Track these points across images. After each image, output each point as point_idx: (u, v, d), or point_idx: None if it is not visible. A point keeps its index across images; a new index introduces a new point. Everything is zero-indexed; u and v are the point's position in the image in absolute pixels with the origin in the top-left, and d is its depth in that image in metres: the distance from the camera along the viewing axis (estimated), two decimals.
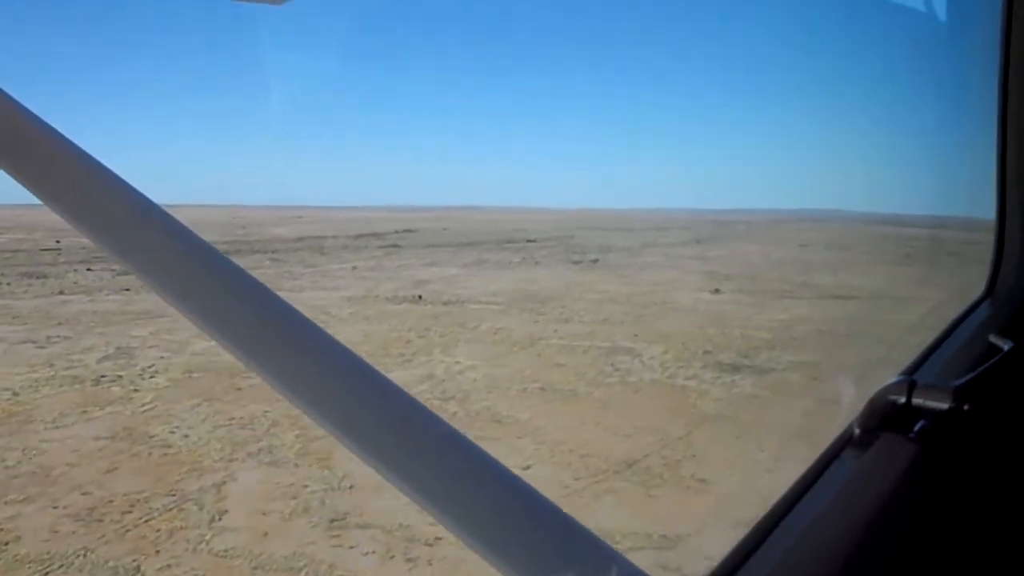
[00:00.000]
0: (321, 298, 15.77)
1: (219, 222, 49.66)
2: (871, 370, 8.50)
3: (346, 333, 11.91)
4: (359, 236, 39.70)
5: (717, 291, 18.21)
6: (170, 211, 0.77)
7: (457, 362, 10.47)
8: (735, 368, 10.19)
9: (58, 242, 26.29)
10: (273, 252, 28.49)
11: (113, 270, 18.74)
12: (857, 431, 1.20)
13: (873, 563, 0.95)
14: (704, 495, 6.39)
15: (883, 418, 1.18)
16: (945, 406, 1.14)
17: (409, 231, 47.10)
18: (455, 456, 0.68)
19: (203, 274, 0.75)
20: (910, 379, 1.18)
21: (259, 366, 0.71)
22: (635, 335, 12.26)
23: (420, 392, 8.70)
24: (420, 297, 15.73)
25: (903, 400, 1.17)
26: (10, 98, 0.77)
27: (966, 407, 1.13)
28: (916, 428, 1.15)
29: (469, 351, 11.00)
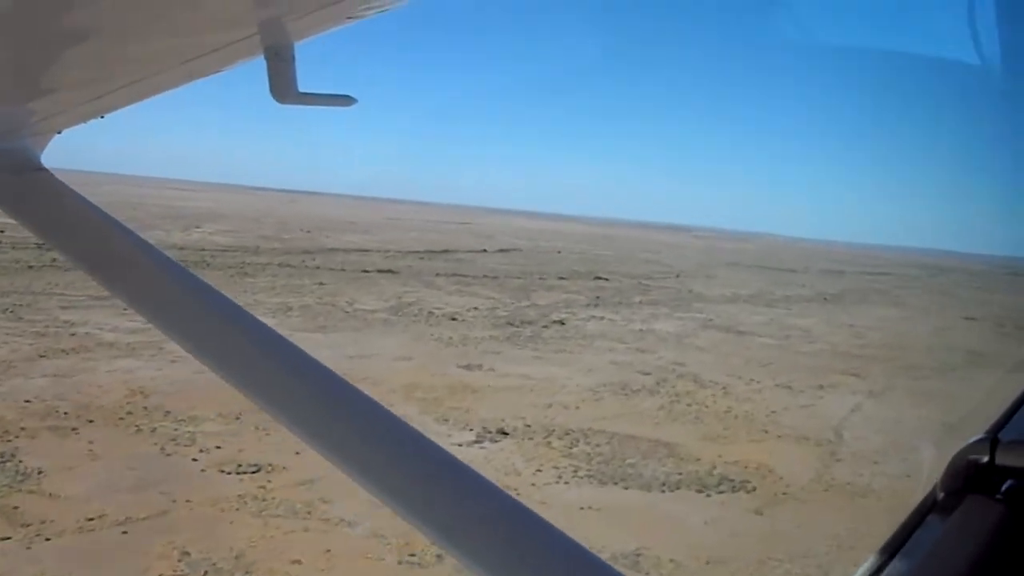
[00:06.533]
0: None
1: (300, 221, 44.62)
2: None
3: None
4: (411, 252, 33.94)
5: (502, 433, 9.82)
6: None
7: None
8: None
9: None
10: (236, 267, 23.34)
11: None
12: (940, 495, 1.15)
13: None
14: None
15: (966, 480, 1.13)
16: None
17: (505, 250, 40.47)
18: (443, 473, 0.80)
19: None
20: (992, 437, 1.13)
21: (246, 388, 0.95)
22: None
23: None
24: None
25: (986, 459, 1.10)
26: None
27: None
28: (1002, 488, 1.10)
29: None
